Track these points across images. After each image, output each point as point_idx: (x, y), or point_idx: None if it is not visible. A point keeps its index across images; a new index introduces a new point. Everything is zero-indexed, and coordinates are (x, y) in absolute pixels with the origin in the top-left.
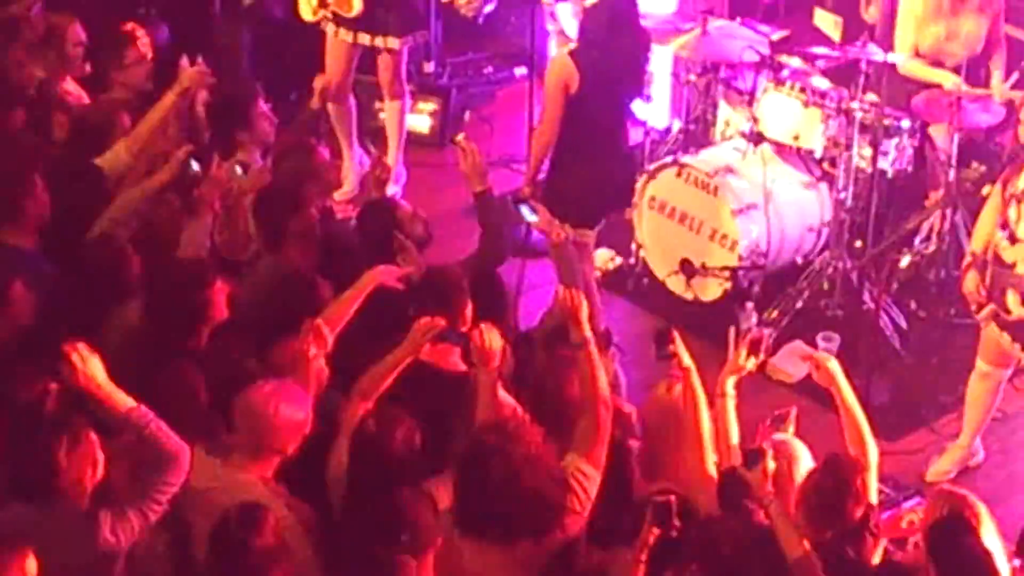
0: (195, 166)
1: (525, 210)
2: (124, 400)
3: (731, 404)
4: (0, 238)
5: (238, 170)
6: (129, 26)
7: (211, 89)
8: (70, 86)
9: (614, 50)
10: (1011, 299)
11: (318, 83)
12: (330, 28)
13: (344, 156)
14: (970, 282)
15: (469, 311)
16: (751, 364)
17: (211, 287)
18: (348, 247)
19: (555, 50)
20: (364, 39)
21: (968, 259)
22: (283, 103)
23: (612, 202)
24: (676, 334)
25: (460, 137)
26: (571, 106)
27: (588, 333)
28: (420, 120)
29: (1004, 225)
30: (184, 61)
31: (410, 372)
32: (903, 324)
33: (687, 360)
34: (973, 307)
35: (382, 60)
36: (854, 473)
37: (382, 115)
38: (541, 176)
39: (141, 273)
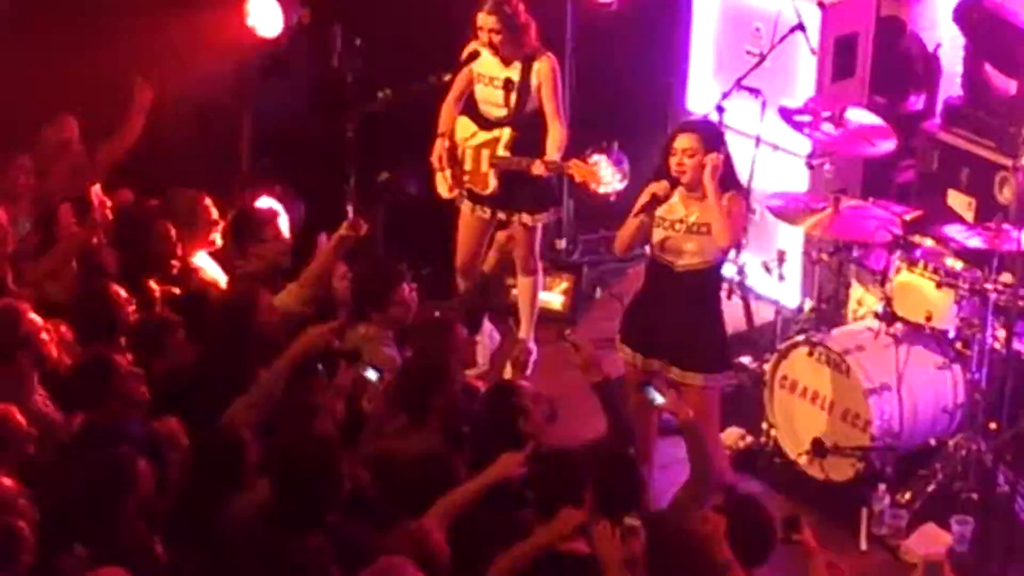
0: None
1: (652, 392)
2: None
3: None
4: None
5: (372, 374)
6: (269, 203)
7: (351, 264)
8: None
9: None
10: None
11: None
12: (466, 205)
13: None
14: None
15: (587, 497)
16: None
17: (338, 464)
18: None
19: None
20: (500, 215)
21: None
22: (416, 278)
23: None
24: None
25: (568, 333)
26: None
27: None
28: (552, 297)
29: None
30: (323, 238)
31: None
32: None
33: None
34: None
35: (517, 236)
36: None
37: (514, 291)
38: None
39: (259, 460)
